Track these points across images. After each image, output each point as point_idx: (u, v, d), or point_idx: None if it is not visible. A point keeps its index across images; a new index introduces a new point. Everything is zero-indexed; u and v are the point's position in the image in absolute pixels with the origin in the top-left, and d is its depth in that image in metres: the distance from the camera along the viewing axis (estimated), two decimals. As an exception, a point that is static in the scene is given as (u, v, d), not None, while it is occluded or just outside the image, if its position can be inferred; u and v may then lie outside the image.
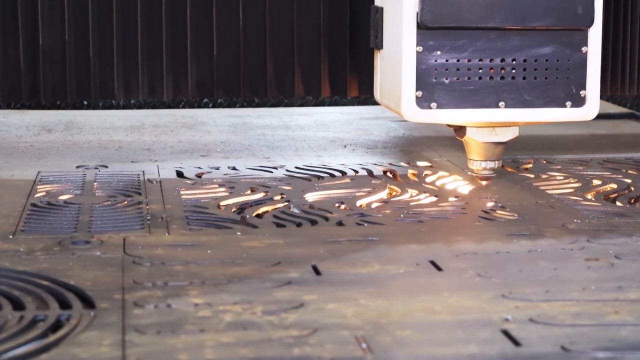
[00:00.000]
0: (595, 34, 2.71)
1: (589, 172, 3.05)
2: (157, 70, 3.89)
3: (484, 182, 2.84)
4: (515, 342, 1.63)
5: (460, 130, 2.79)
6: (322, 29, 3.91)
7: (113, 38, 3.83)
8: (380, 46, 2.81)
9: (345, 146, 3.53)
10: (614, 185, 2.88)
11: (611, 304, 1.82)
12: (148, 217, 2.47)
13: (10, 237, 2.28)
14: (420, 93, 2.64)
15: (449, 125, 2.79)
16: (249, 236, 2.31)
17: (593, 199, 2.72)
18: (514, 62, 2.68)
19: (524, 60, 2.68)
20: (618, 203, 2.68)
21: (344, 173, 3.04)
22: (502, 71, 2.68)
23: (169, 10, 3.88)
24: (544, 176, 3.00)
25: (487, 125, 2.74)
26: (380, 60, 2.84)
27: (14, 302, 1.81)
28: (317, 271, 2.03)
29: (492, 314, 1.77)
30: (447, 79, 2.66)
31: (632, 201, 2.71)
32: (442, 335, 1.67)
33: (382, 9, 2.79)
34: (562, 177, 2.99)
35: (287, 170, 3.08)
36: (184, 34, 3.86)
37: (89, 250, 2.16)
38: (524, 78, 2.69)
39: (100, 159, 3.27)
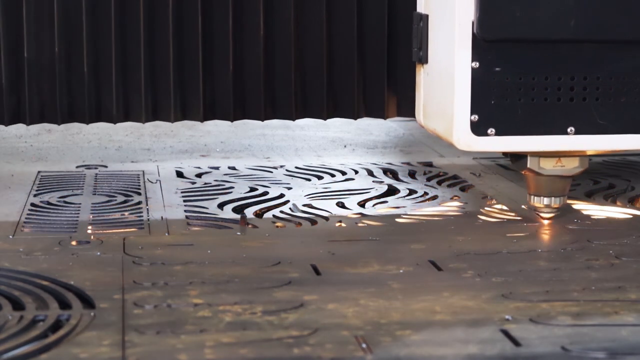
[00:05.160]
0: None
1: (589, 172, 3.05)
2: (163, 87, 3.34)
3: (546, 222, 2.45)
4: (515, 342, 1.63)
5: (519, 160, 2.41)
6: (356, 38, 3.39)
7: (111, 49, 3.30)
8: (424, 60, 2.42)
9: (345, 146, 3.53)
10: (614, 185, 2.88)
11: (611, 304, 1.83)
12: (148, 217, 2.47)
13: (10, 237, 2.28)
14: (475, 117, 2.27)
15: (504, 154, 2.41)
16: (249, 236, 2.31)
17: (593, 199, 2.72)
18: (585, 80, 2.29)
19: (598, 78, 2.29)
20: (618, 203, 2.68)
21: (344, 173, 3.04)
22: (572, 91, 2.29)
23: (175, 16, 3.33)
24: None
25: (553, 154, 2.37)
26: (425, 76, 2.44)
27: (14, 302, 1.81)
28: (317, 271, 2.03)
29: (492, 314, 1.77)
30: (507, 100, 2.28)
31: (632, 201, 2.71)
32: (442, 335, 1.67)
33: (427, 16, 2.40)
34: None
35: (287, 170, 3.08)
36: (195, 45, 3.32)
37: (89, 250, 2.16)
38: (597, 99, 2.30)
39: (100, 159, 3.27)
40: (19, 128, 3.76)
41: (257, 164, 3.18)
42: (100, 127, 3.79)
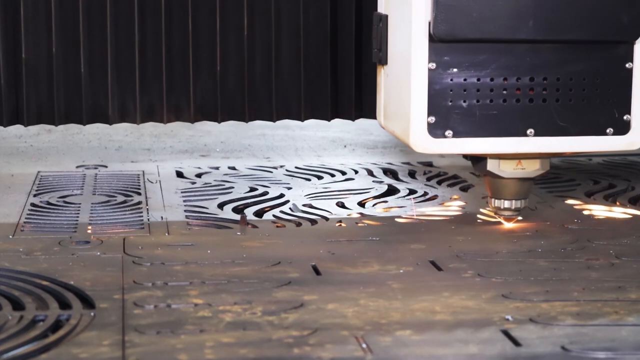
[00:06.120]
0: None
1: (589, 172, 3.05)
2: (156, 89, 3.36)
3: (507, 224, 2.41)
4: (515, 342, 1.63)
5: (479, 162, 2.35)
6: (329, 41, 3.43)
7: (107, 51, 3.31)
8: (384, 61, 2.37)
9: (345, 146, 3.53)
10: (614, 185, 2.88)
11: (611, 304, 1.82)
12: (148, 217, 2.47)
13: (10, 237, 2.28)
14: (432, 119, 2.22)
15: (465, 157, 2.40)
16: (249, 236, 2.31)
17: (593, 199, 2.72)
18: (545, 81, 2.24)
19: (558, 79, 2.25)
20: (618, 203, 2.68)
21: (344, 173, 3.04)
22: (531, 92, 2.24)
23: (167, 17, 3.35)
24: (543, 176, 2.99)
25: (513, 156, 2.31)
26: (385, 77, 2.40)
27: (14, 302, 1.81)
28: (317, 271, 2.03)
29: (492, 314, 1.77)
30: (465, 101, 2.23)
31: (633, 201, 2.71)
32: (442, 335, 1.67)
33: (386, 17, 2.35)
34: (561, 177, 2.98)
35: (287, 170, 3.08)
36: (185, 47, 3.35)
37: (89, 250, 2.16)
38: (557, 100, 2.25)
39: (100, 159, 3.27)
40: (18, 128, 3.76)
41: (257, 164, 3.18)
42: (100, 127, 3.79)
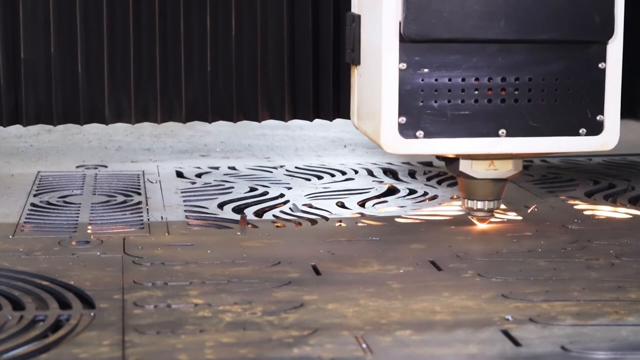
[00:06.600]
0: (615, 48, 2.25)
1: (589, 172, 3.05)
2: (150, 89, 3.36)
3: (481, 225, 2.40)
4: (515, 342, 1.63)
5: (451, 163, 2.33)
6: (311, 41, 3.43)
7: (103, 52, 3.32)
8: (357, 62, 2.34)
9: (345, 146, 3.53)
10: (614, 185, 2.88)
11: (611, 304, 1.82)
12: (148, 217, 2.47)
13: (10, 237, 2.28)
14: (403, 119, 2.20)
15: (438, 158, 2.37)
16: (249, 236, 2.31)
17: (594, 199, 2.72)
18: (517, 81, 2.23)
19: (530, 80, 2.23)
20: (618, 203, 2.68)
21: (344, 173, 3.04)
22: (503, 92, 2.22)
23: (160, 18, 3.35)
24: (543, 176, 3.00)
25: (485, 157, 2.29)
26: (358, 78, 2.37)
27: (13, 302, 1.81)
28: (317, 271, 2.03)
29: (492, 314, 1.77)
30: (436, 102, 2.20)
31: (633, 201, 2.71)
32: (442, 335, 1.67)
33: (359, 17, 2.33)
34: (561, 177, 2.99)
35: (287, 170, 3.08)
36: (177, 48, 3.36)
37: (89, 250, 2.16)
38: (529, 101, 2.23)
39: (100, 159, 3.27)
40: (18, 128, 3.76)
41: (257, 164, 3.18)
42: (100, 127, 3.80)
